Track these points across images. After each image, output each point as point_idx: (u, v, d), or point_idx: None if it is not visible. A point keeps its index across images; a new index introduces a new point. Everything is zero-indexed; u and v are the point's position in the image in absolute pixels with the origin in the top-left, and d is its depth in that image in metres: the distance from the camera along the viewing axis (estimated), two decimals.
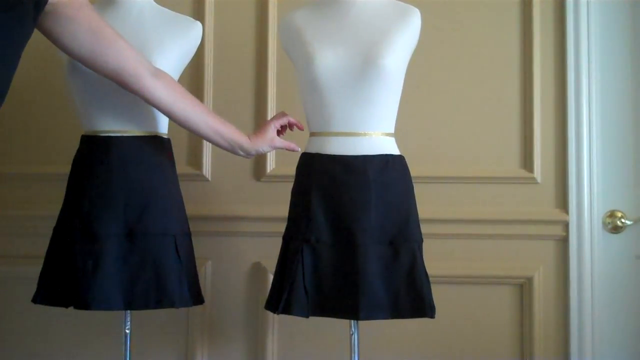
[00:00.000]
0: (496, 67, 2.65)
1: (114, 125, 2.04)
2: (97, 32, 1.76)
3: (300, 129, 2.11)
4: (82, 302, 1.94)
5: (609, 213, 2.61)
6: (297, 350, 2.63)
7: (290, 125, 2.13)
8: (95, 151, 2.03)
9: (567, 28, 2.62)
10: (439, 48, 2.64)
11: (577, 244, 2.58)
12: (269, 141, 2.06)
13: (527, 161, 2.62)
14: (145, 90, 1.87)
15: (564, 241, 2.59)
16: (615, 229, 2.60)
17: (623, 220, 2.59)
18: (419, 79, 2.52)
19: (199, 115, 1.96)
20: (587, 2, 2.62)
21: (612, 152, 2.63)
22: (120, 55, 1.81)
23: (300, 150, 2.07)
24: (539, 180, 2.61)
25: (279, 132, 2.11)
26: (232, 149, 2.04)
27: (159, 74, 1.90)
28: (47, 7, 1.62)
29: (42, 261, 2.05)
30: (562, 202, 2.60)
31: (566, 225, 2.59)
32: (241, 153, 2.05)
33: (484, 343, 2.59)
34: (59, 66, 2.13)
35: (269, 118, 2.61)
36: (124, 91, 1.90)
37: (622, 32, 2.66)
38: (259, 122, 2.64)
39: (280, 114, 2.11)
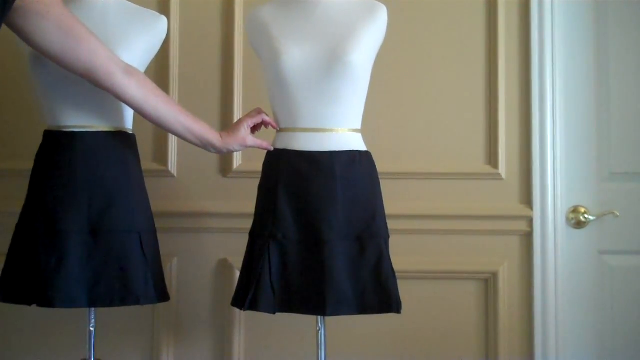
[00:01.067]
0: (462, 64, 2.67)
1: (78, 121, 2.01)
2: (68, 29, 1.74)
3: (275, 128, 2.06)
4: (46, 300, 1.92)
5: (573, 209, 2.65)
6: (264, 347, 2.62)
7: (265, 124, 2.09)
8: (58, 147, 2.00)
9: (532, 27, 2.65)
10: (405, 46, 2.65)
11: (541, 239, 2.61)
12: (241, 140, 2.03)
13: (492, 158, 2.64)
14: (117, 88, 1.86)
15: (528, 236, 2.62)
16: (579, 225, 2.64)
17: (586, 216, 2.63)
18: (386, 76, 2.53)
19: (171, 112, 1.95)
20: (552, 2, 2.65)
21: (575, 149, 2.66)
22: (92, 53, 1.79)
23: (272, 148, 2.04)
24: (503, 176, 2.63)
25: (253, 129, 2.08)
26: (203, 147, 2.02)
27: (130, 71, 1.88)
28: (17, 3, 1.59)
29: (4, 258, 2.02)
30: (527, 198, 2.63)
31: (530, 221, 2.62)
32: (212, 150, 2.04)
33: (451, 337, 2.61)
34: (22, 59, 2.10)
35: (235, 113, 2.61)
36: (88, 86, 1.88)
37: (585, 32, 2.69)
38: (226, 118, 2.63)
39: (255, 112, 2.07)
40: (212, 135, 2.00)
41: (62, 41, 1.74)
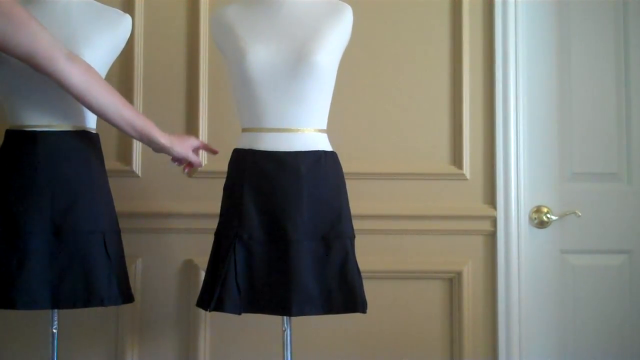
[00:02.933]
0: (426, 65, 2.69)
1: (40, 120, 1.98)
2: (7, 14, 1.73)
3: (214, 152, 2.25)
4: (8, 301, 1.89)
5: (535, 208, 2.68)
6: (230, 348, 2.61)
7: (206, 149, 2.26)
8: (20, 146, 1.98)
9: (495, 27, 2.67)
10: (371, 47, 2.66)
11: (504, 239, 2.64)
12: (188, 147, 2.11)
13: (456, 158, 2.66)
14: (58, 74, 1.83)
15: (492, 236, 2.65)
16: (541, 224, 2.68)
17: (549, 216, 2.66)
18: (351, 76, 2.53)
19: (113, 103, 1.93)
20: (515, 2, 2.68)
21: (538, 149, 2.69)
22: (33, 38, 1.77)
23: (202, 166, 2.26)
24: (468, 176, 2.66)
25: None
26: (145, 142, 2.04)
27: (74, 58, 1.86)
28: None
29: None
30: (490, 198, 2.66)
31: (494, 221, 2.64)
32: (154, 147, 2.05)
33: (416, 336, 2.62)
34: None
35: (200, 113, 2.63)
36: (50, 84, 1.86)
37: (547, 34, 2.73)
38: (191, 118, 2.62)
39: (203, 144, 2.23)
40: (156, 131, 2.02)
41: (1, 26, 1.72)
